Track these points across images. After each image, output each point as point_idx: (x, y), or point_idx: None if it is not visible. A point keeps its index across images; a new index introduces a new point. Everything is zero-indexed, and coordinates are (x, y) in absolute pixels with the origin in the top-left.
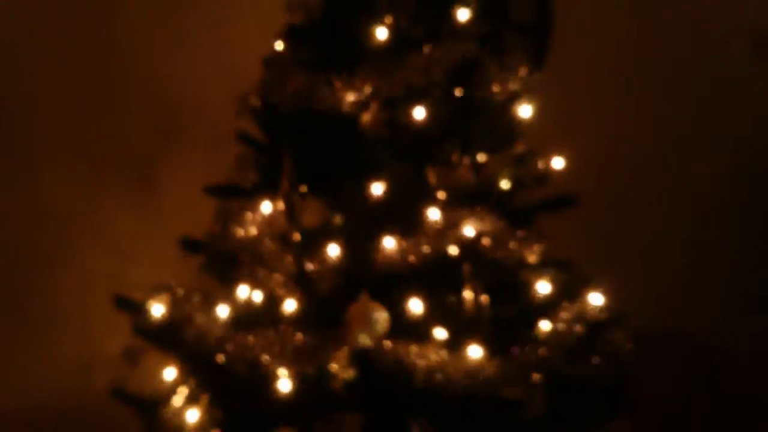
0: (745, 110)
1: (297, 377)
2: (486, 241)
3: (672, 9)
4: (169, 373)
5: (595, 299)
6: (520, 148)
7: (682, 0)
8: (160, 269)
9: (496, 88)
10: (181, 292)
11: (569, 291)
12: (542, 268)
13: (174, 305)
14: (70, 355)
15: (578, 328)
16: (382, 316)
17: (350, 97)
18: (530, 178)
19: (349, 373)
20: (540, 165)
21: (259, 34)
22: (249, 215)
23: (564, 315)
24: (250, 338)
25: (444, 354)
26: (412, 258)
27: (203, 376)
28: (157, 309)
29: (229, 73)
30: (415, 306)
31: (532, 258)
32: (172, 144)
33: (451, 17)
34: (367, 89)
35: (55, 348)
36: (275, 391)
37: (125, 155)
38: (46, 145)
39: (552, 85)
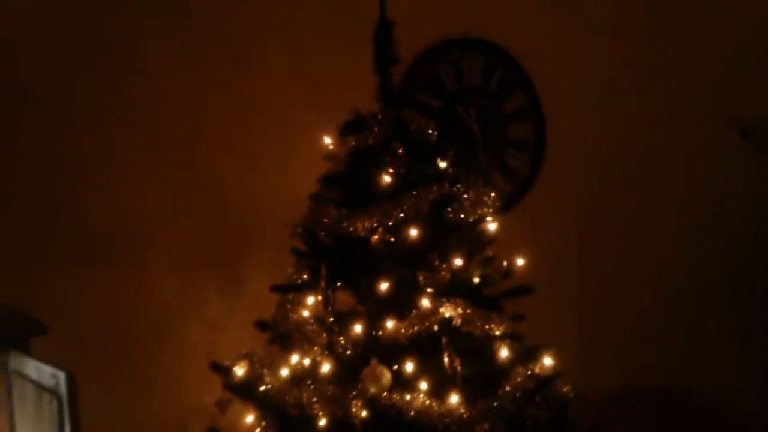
0: (730, 192)
1: (330, 417)
2: (459, 320)
3: (650, 112)
4: (249, 417)
5: (546, 361)
6: (489, 252)
7: (662, 100)
8: (241, 342)
9: (468, 213)
10: (256, 358)
11: (524, 356)
12: (504, 339)
13: (251, 368)
14: (175, 405)
15: (530, 382)
16: (386, 374)
17: (364, 224)
18: (497, 273)
19: (364, 414)
20: (504, 263)
21: (311, 168)
22: (300, 304)
23: (519, 372)
24: (301, 390)
25: (429, 400)
26: (406, 333)
27: (271, 417)
28: (240, 370)
29: (289, 195)
30: (409, 367)
31: (497, 332)
32: (249, 250)
33: (434, 166)
34: (376, 219)
35: (166, 400)
36: (316, 427)
37: (215, 258)
38: (156, 254)
39: (542, 196)
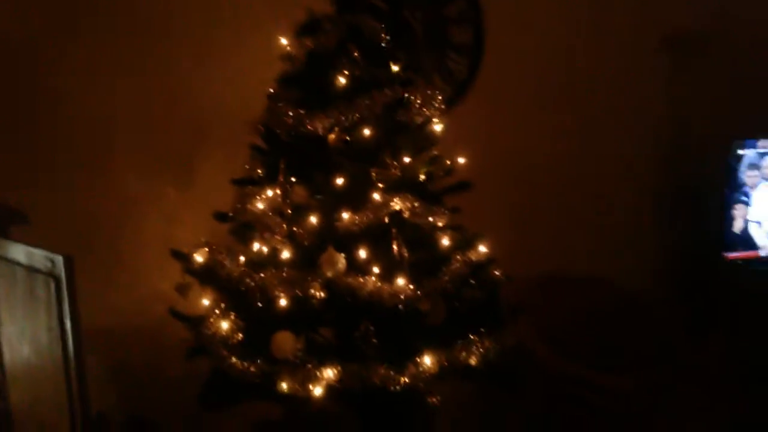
0: (652, 97)
1: (290, 298)
2: (407, 213)
3: (585, 20)
4: (206, 301)
5: (481, 248)
6: (434, 151)
7: (595, 9)
8: (197, 233)
9: (417, 115)
10: (214, 247)
11: (463, 244)
12: (445, 229)
13: (211, 255)
14: (136, 291)
15: (466, 267)
16: (341, 260)
17: (322, 124)
18: (441, 171)
19: (321, 295)
20: (448, 162)
21: (266, 67)
22: (258, 197)
23: (458, 258)
24: (261, 275)
25: (379, 283)
26: (360, 224)
27: (231, 300)
28: (200, 257)
29: (241, 93)
30: (362, 254)
31: (440, 223)
32: (203, 146)
33: (387, 69)
34: (333, 119)
35: (127, 287)
36: (277, 306)
37: (173, 154)
38: (121, 150)
39: (479, 98)
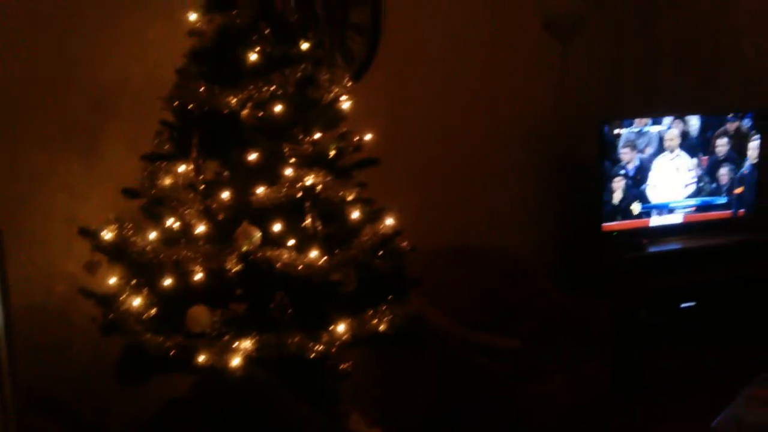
0: (538, 76)
1: (205, 272)
2: (319, 188)
3: (477, 5)
4: (113, 279)
5: (388, 221)
6: (343, 128)
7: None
8: (103, 209)
9: (326, 92)
10: (124, 223)
11: (371, 217)
12: (355, 203)
13: (119, 232)
14: (39, 270)
15: (375, 238)
16: (256, 233)
17: (234, 99)
18: (350, 147)
19: (237, 268)
20: (356, 138)
21: (171, 43)
22: (170, 173)
23: (367, 231)
24: (174, 250)
25: (294, 255)
26: (274, 198)
27: (143, 276)
28: (108, 234)
29: (147, 72)
30: (277, 227)
31: (349, 197)
32: (107, 120)
33: (297, 47)
34: (245, 94)
35: (30, 265)
36: (192, 281)
37: (77, 131)
38: (23, 124)
39: (378, 78)
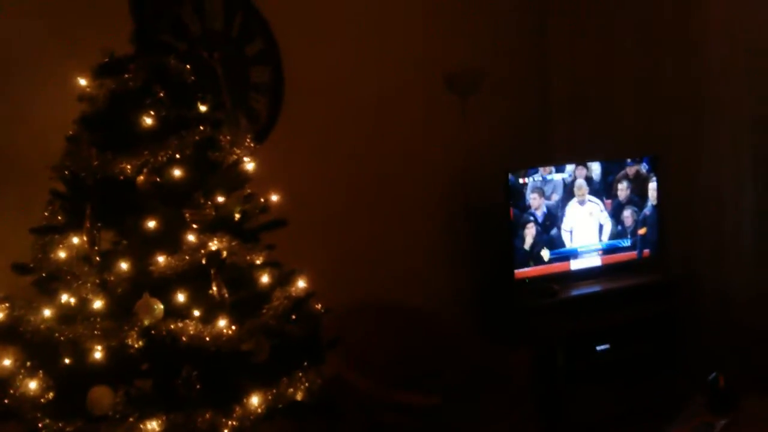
0: (442, 131)
1: (105, 350)
2: (225, 253)
3: (377, 61)
4: (6, 361)
5: (300, 283)
6: (247, 190)
7: (387, 52)
8: None
9: (227, 154)
10: (15, 301)
11: (282, 280)
12: (264, 267)
13: (10, 311)
14: None
15: (287, 302)
16: (158, 306)
17: (129, 165)
18: (255, 209)
19: (139, 344)
20: (262, 200)
21: (61, 109)
22: (62, 245)
23: (278, 295)
24: (71, 328)
25: (200, 326)
26: (176, 267)
27: (38, 357)
28: None
29: (35, 139)
30: (180, 297)
31: (258, 261)
32: None
33: (196, 109)
34: (141, 160)
35: None
36: (91, 360)
37: None
38: None
39: (284, 137)
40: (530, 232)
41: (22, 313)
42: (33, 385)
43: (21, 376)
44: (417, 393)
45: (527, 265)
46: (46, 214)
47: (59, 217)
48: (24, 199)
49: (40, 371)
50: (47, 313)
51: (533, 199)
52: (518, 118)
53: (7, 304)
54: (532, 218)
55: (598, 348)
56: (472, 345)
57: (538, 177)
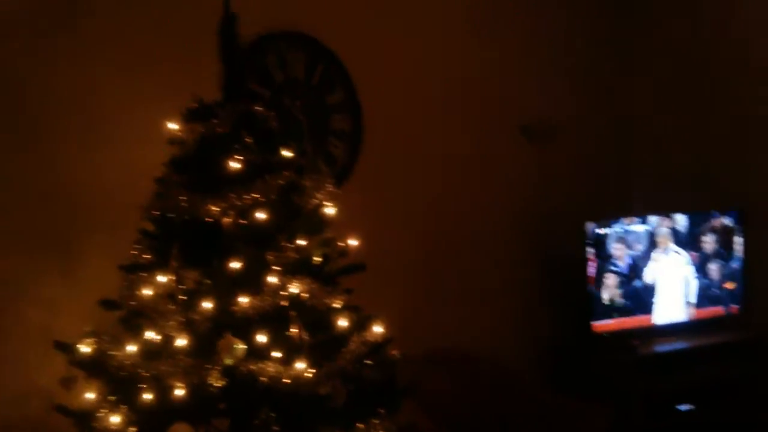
0: (518, 181)
1: (187, 387)
2: (305, 296)
3: (455, 111)
4: (90, 394)
5: (377, 328)
6: (327, 234)
7: (463, 102)
8: (79, 322)
9: (309, 198)
10: (102, 336)
11: (360, 325)
12: (342, 311)
13: (98, 345)
14: (12, 385)
15: (364, 347)
16: (240, 346)
17: (216, 207)
18: (335, 253)
19: (221, 383)
20: (341, 244)
21: (151, 152)
22: (149, 283)
23: (355, 339)
24: (155, 364)
25: (280, 367)
26: (258, 308)
27: (122, 392)
28: (86, 348)
29: (127, 181)
30: (261, 338)
31: (336, 305)
32: (86, 230)
33: (279, 154)
34: (227, 202)
35: (2, 379)
36: (173, 397)
37: (51, 238)
38: None
39: (361, 182)
40: (611, 284)
41: (109, 348)
42: (116, 419)
43: (104, 410)
44: None
45: (606, 318)
46: (134, 252)
47: (147, 256)
48: (114, 239)
49: (124, 406)
50: (132, 348)
51: (617, 250)
52: (596, 167)
53: (94, 339)
54: (613, 269)
55: (680, 408)
56: (547, 399)
57: (619, 227)
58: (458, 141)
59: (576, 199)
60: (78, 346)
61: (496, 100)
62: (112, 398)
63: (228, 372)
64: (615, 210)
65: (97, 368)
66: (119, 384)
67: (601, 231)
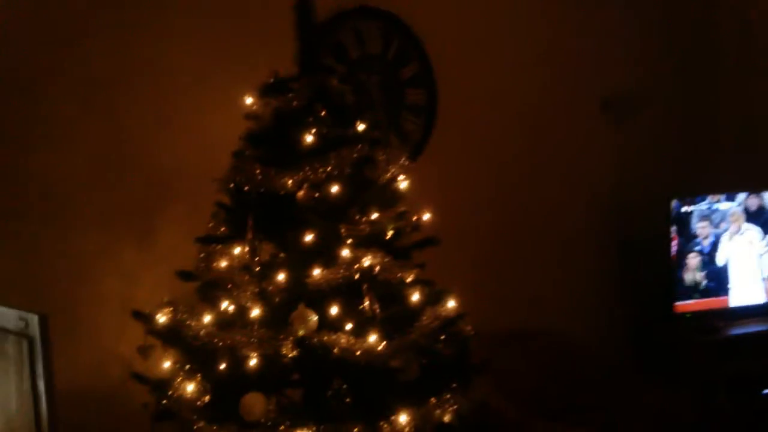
0: (596, 156)
1: (260, 357)
2: (377, 269)
3: (532, 84)
4: (167, 363)
5: (450, 303)
6: (400, 208)
7: (540, 74)
8: (157, 293)
9: (383, 172)
10: (178, 306)
11: (432, 299)
12: (415, 285)
13: (175, 315)
14: (93, 353)
15: (437, 322)
16: (313, 317)
17: (290, 181)
18: (408, 227)
19: (293, 353)
20: (414, 218)
21: (227, 126)
22: (224, 255)
23: (428, 313)
24: (229, 334)
25: (352, 339)
26: (330, 280)
27: (197, 361)
28: (163, 317)
29: (203, 151)
30: (333, 310)
31: (409, 279)
32: (164, 203)
33: (353, 128)
34: (301, 175)
35: (84, 349)
36: (246, 367)
37: (132, 212)
38: (75, 206)
39: (435, 157)
40: (693, 263)
41: (185, 318)
42: (191, 387)
43: (180, 379)
44: (569, 427)
45: (688, 299)
46: (210, 225)
47: (223, 229)
48: (191, 211)
49: (198, 375)
50: (208, 318)
51: (701, 228)
52: (680, 142)
53: (170, 309)
54: (697, 248)
55: (766, 392)
56: (625, 380)
57: (704, 205)
58: (535, 115)
59: (658, 175)
60: (155, 315)
61: (575, 71)
62: (188, 367)
63: (300, 343)
64: (699, 187)
65: (172, 338)
66: (194, 353)
67: (685, 209)
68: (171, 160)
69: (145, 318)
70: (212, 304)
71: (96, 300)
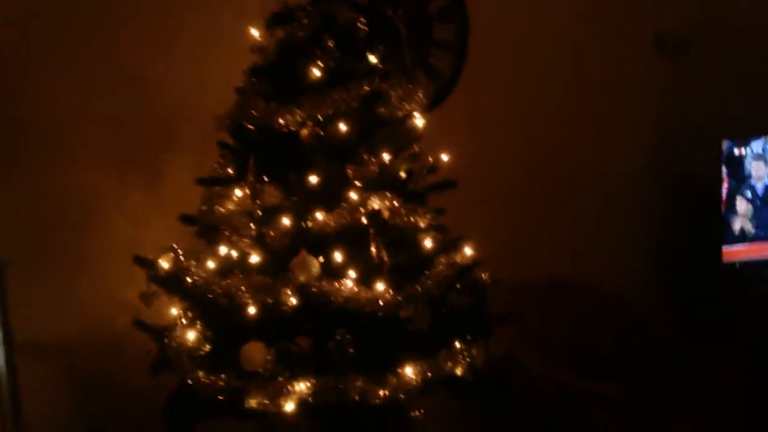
0: (649, 99)
1: (259, 305)
2: (386, 213)
3: (575, 17)
4: (173, 310)
5: (467, 251)
6: (415, 148)
7: (585, 6)
8: (164, 236)
9: (396, 109)
10: (181, 251)
11: (447, 246)
12: (428, 231)
13: (176, 261)
14: (98, 299)
15: (451, 270)
16: (315, 264)
17: (294, 118)
18: (423, 169)
19: (294, 301)
20: (430, 159)
21: (234, 63)
22: (227, 198)
23: (442, 261)
24: (229, 281)
25: (356, 288)
26: (335, 224)
27: (198, 308)
28: (165, 263)
29: (210, 88)
30: (338, 257)
31: (422, 224)
32: (170, 143)
33: (364, 61)
34: (306, 112)
35: (88, 294)
36: (246, 315)
37: (138, 154)
38: (75, 144)
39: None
40: (744, 207)
41: (187, 264)
42: (191, 336)
43: (181, 327)
44: (597, 381)
45: (737, 244)
46: (216, 166)
47: (228, 170)
48: (201, 154)
49: (199, 323)
50: (210, 265)
51: (756, 169)
52: (734, 80)
53: (172, 254)
54: (749, 191)
55: None
56: (665, 335)
57: (759, 145)
58: (578, 50)
59: (710, 114)
60: (158, 261)
61: (625, 3)
62: (189, 315)
63: (301, 290)
64: (753, 127)
65: (174, 284)
66: (195, 300)
67: (737, 150)
68: (178, 100)
69: (147, 263)
70: (212, 248)
71: (102, 244)
